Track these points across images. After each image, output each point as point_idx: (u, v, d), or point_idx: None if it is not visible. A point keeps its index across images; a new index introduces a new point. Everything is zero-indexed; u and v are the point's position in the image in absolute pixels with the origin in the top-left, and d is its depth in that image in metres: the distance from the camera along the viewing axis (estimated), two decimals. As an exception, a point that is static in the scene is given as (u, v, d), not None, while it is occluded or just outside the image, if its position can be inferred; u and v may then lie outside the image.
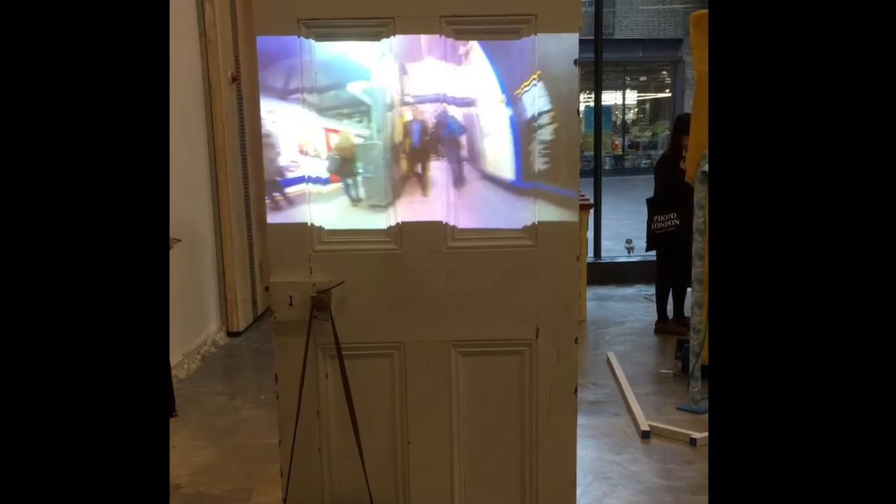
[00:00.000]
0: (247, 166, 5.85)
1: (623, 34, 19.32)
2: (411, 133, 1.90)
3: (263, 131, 1.89)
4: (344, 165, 1.93)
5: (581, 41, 1.88)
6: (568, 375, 1.99)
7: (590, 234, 6.74)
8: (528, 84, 1.87)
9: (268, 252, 2.00)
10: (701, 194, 3.94)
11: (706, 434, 3.59)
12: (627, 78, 21.52)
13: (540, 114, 1.88)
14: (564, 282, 1.96)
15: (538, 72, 1.86)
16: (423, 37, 1.86)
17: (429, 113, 1.89)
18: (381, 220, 1.93)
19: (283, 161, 1.90)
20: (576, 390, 2.01)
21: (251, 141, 5.89)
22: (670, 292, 5.52)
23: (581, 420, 2.23)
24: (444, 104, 1.88)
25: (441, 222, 1.93)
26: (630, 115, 22.32)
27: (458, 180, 1.92)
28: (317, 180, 1.91)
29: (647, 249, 5.55)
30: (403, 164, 1.91)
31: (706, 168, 3.89)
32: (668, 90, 21.60)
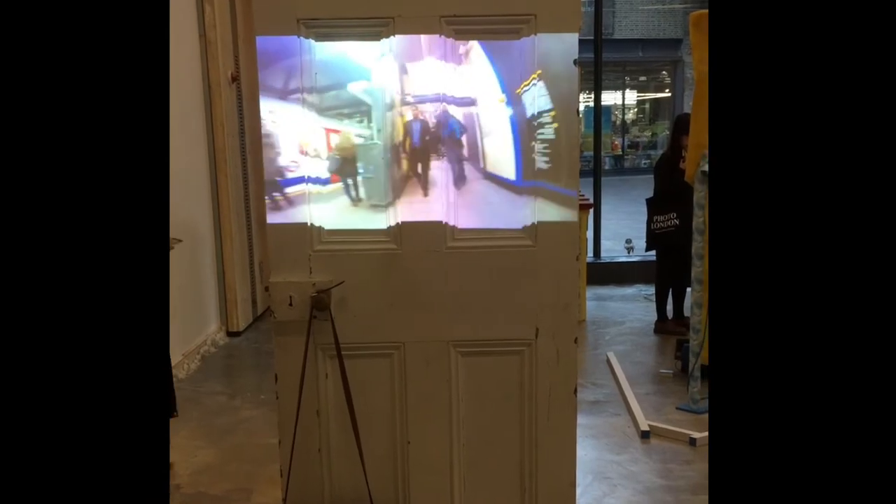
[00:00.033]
0: (246, 166, 5.85)
1: (623, 34, 19.32)
2: (411, 133, 1.90)
3: (263, 131, 1.89)
4: (344, 165, 1.93)
5: (581, 41, 1.88)
6: (568, 375, 1.99)
7: (589, 233, 6.74)
8: (528, 84, 1.87)
9: (267, 252, 2.00)
10: (700, 194, 3.95)
11: (706, 434, 3.59)
12: (627, 78, 21.52)
13: (540, 113, 1.88)
14: (564, 282, 1.96)
15: (538, 71, 1.86)
16: (423, 37, 1.86)
17: (429, 113, 1.89)
18: (381, 220, 1.93)
19: (283, 161, 1.90)
20: (575, 390, 2.01)
21: (251, 141, 5.89)
22: (670, 292, 5.52)
23: (581, 420, 2.23)
24: (444, 104, 1.88)
25: (441, 222, 1.93)
26: (630, 115, 22.32)
27: (458, 180, 1.92)
28: (316, 180, 1.91)
29: (647, 249, 5.56)
30: (403, 164, 1.91)
31: (706, 168, 3.89)
32: (667, 90, 21.60)
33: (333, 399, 1.99)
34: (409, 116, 1.90)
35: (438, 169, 1.91)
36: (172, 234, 3.24)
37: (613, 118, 21.40)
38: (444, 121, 1.89)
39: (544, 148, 1.89)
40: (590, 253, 7.29)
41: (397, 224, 1.93)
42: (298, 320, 1.93)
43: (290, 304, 1.93)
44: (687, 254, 4.25)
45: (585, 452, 3.50)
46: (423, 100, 1.89)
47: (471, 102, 1.89)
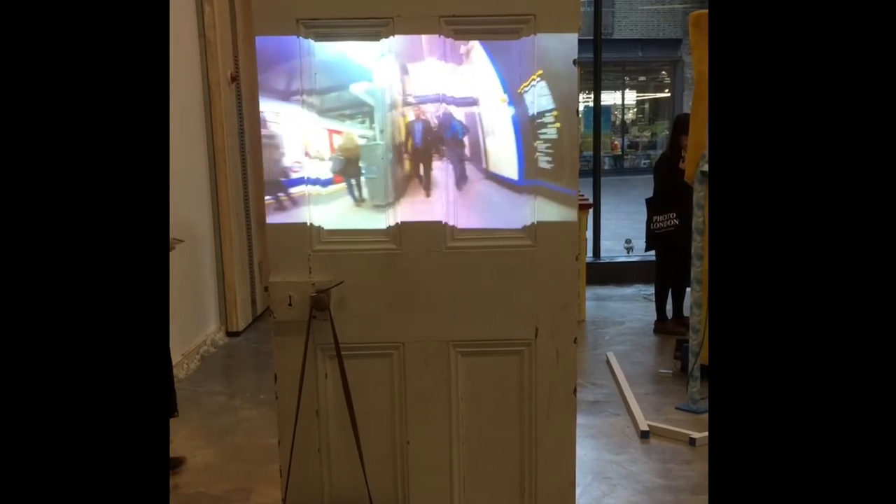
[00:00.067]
0: (246, 166, 5.85)
1: (622, 34, 19.32)
2: (412, 133, 1.90)
3: (267, 132, 1.89)
4: (344, 166, 1.93)
5: (580, 41, 1.89)
6: (567, 375, 2.00)
7: (589, 233, 6.74)
8: (528, 84, 1.87)
9: (267, 252, 2.00)
10: (700, 194, 3.95)
11: (705, 434, 3.59)
12: (626, 78, 21.52)
13: (540, 113, 1.88)
14: (564, 282, 1.96)
15: (540, 72, 1.86)
16: (423, 37, 1.86)
17: (429, 113, 1.89)
18: (381, 220, 1.93)
19: (282, 162, 1.90)
20: (575, 390, 2.01)
21: (250, 141, 5.89)
22: (669, 292, 5.52)
23: (580, 420, 2.23)
24: (444, 104, 1.88)
25: (440, 222, 1.93)
26: (629, 115, 22.32)
27: (458, 180, 1.92)
28: (316, 181, 1.91)
29: (647, 249, 5.56)
30: (403, 165, 1.91)
31: (705, 168, 3.89)
32: (667, 90, 21.60)
33: (333, 399, 1.99)
34: (410, 117, 1.90)
35: (439, 169, 1.91)
36: (172, 234, 3.24)
37: (613, 118, 21.40)
38: (445, 121, 1.89)
39: (544, 148, 1.89)
40: (589, 253, 7.29)
41: (397, 224, 1.93)
42: (298, 320, 1.93)
43: (290, 304, 1.93)
44: (686, 254, 4.25)
45: (585, 452, 3.50)
46: (424, 100, 1.89)
47: (472, 102, 1.89)
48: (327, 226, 1.93)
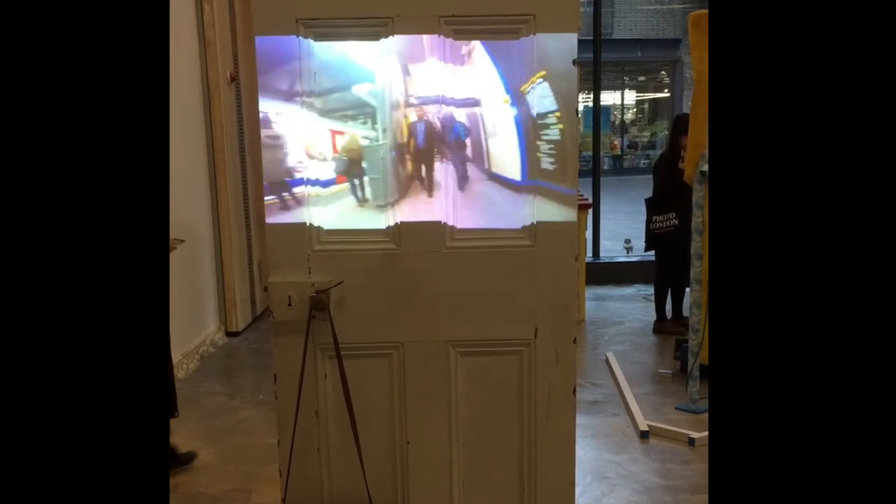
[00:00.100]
0: (245, 166, 5.85)
1: (622, 34, 19.32)
2: (413, 133, 1.90)
3: (266, 132, 1.89)
4: (345, 166, 1.93)
5: (580, 41, 1.89)
6: (567, 375, 2.00)
7: (588, 233, 6.74)
8: (529, 84, 1.87)
9: (266, 252, 2.00)
10: (699, 194, 3.95)
11: (705, 434, 3.59)
12: (626, 78, 21.52)
13: (540, 114, 1.88)
14: (563, 282, 1.96)
15: (539, 71, 1.86)
16: (424, 37, 1.85)
17: (430, 113, 1.89)
18: (380, 220, 1.93)
19: (282, 162, 1.90)
20: (574, 390, 2.01)
21: (250, 141, 5.88)
22: (669, 292, 5.53)
23: (580, 420, 2.23)
24: (445, 104, 1.88)
25: (440, 222, 1.93)
26: (629, 115, 22.33)
27: (458, 180, 1.92)
28: (316, 181, 1.91)
29: (646, 249, 5.56)
30: (403, 165, 1.91)
31: (705, 168, 3.89)
32: (666, 90, 21.60)
33: (332, 399, 1.99)
34: (410, 117, 1.90)
35: (438, 169, 1.91)
36: (172, 234, 3.24)
37: (612, 118, 21.41)
38: (446, 121, 1.89)
39: (544, 148, 1.89)
40: (589, 253, 7.30)
41: (396, 224, 1.93)
42: (297, 320, 1.93)
43: (289, 304, 1.93)
44: (686, 254, 4.25)
45: (584, 452, 3.50)
46: (425, 100, 1.89)
47: (472, 103, 1.89)
48: (327, 226, 1.93)
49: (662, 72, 21.56)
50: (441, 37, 1.85)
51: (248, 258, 5.93)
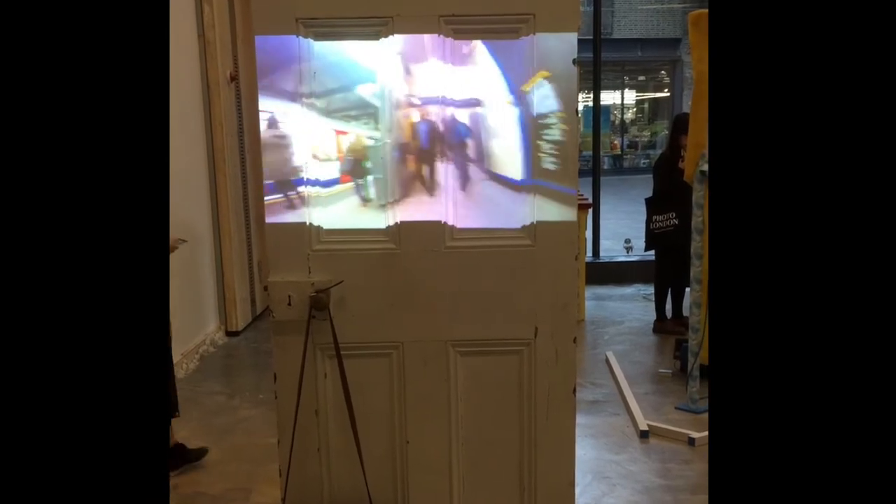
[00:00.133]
0: (245, 166, 5.85)
1: (621, 34, 19.32)
2: (413, 133, 1.90)
3: (267, 132, 1.89)
4: (344, 166, 1.93)
5: (579, 41, 1.89)
6: (566, 375, 2.00)
7: (588, 233, 6.74)
8: (530, 84, 1.87)
9: (266, 251, 2.00)
10: (699, 194, 3.95)
11: (705, 433, 3.59)
12: (626, 77, 21.52)
13: (540, 114, 1.88)
14: (563, 281, 1.96)
15: (545, 73, 1.86)
16: (426, 37, 1.85)
17: (431, 113, 1.89)
18: (380, 220, 1.93)
19: (282, 162, 1.90)
20: (574, 390, 2.01)
21: (250, 141, 5.89)
22: (669, 292, 5.53)
23: (580, 420, 2.23)
24: (445, 104, 1.88)
25: (440, 222, 1.93)
26: (629, 115, 22.32)
27: (458, 180, 1.92)
28: (316, 181, 1.91)
29: (646, 249, 5.56)
30: (404, 164, 1.91)
31: (705, 167, 3.89)
32: (666, 90, 21.60)
33: (332, 399, 1.99)
34: (411, 117, 1.90)
35: (439, 169, 1.91)
36: (172, 233, 3.23)
37: (612, 118, 21.40)
38: (447, 121, 1.89)
39: (544, 147, 1.89)
40: (589, 252, 7.30)
41: (396, 224, 1.93)
42: (297, 320, 1.93)
43: (289, 304, 1.93)
44: (686, 253, 4.25)
45: (584, 452, 3.50)
46: (424, 100, 1.89)
47: (471, 102, 1.89)
48: (326, 225, 1.93)
49: (662, 71, 21.56)
50: (441, 36, 1.85)
51: (248, 257, 5.93)
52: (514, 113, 1.89)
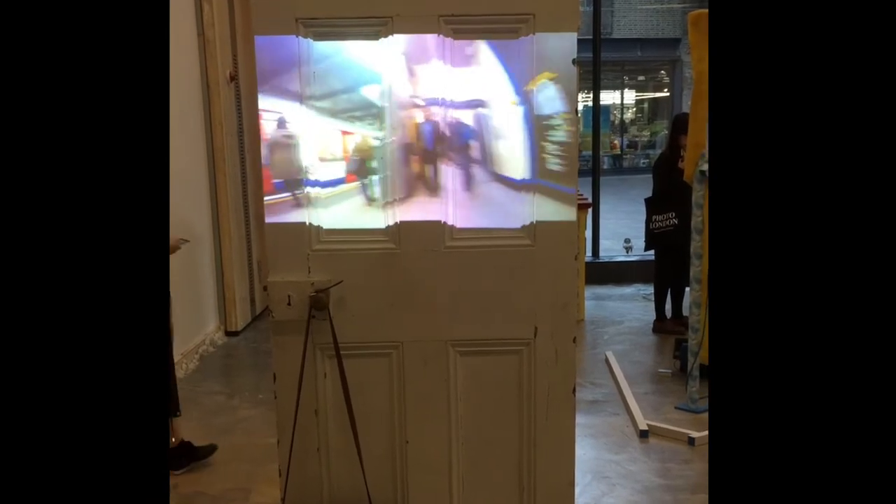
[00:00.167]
0: (245, 165, 5.85)
1: (621, 34, 19.33)
2: (412, 133, 1.90)
3: (278, 131, 1.88)
4: (347, 166, 1.92)
5: (579, 41, 1.89)
6: (566, 375, 2.00)
7: (588, 233, 6.74)
8: (533, 85, 1.87)
9: (266, 251, 2.00)
10: (699, 193, 3.95)
11: (705, 433, 3.59)
12: (626, 77, 21.52)
13: (543, 114, 1.88)
14: (563, 281, 1.96)
15: (545, 72, 1.86)
16: (428, 37, 1.85)
17: (430, 113, 1.89)
18: (380, 220, 1.93)
19: (283, 162, 1.90)
20: (574, 389, 2.01)
21: (249, 140, 5.88)
22: (668, 291, 5.53)
23: (579, 419, 2.23)
24: (446, 104, 1.88)
25: (439, 222, 1.93)
26: (628, 115, 22.32)
27: (458, 180, 1.92)
28: (316, 182, 1.91)
29: (646, 249, 5.56)
30: (403, 164, 1.91)
31: (704, 167, 3.89)
32: (666, 90, 21.60)
33: (332, 398, 1.99)
34: (409, 116, 1.89)
35: (438, 169, 1.91)
36: (172, 233, 3.23)
37: (612, 118, 21.41)
38: (448, 121, 1.89)
39: (543, 147, 1.89)
40: (588, 252, 7.30)
41: (396, 223, 1.93)
42: (297, 320, 1.93)
43: (289, 304, 1.93)
44: (685, 253, 4.25)
45: (584, 452, 3.50)
46: (425, 100, 1.88)
47: (473, 103, 1.89)
48: (326, 225, 1.93)
49: (662, 71, 21.56)
50: (441, 36, 1.85)
51: (248, 257, 5.93)
52: (517, 114, 1.89)
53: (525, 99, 1.88)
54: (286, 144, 1.89)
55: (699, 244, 3.98)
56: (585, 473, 3.31)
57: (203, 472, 3.41)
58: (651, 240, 5.39)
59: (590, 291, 6.60)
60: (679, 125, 5.12)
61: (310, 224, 1.92)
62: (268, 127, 1.88)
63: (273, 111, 1.88)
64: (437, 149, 1.90)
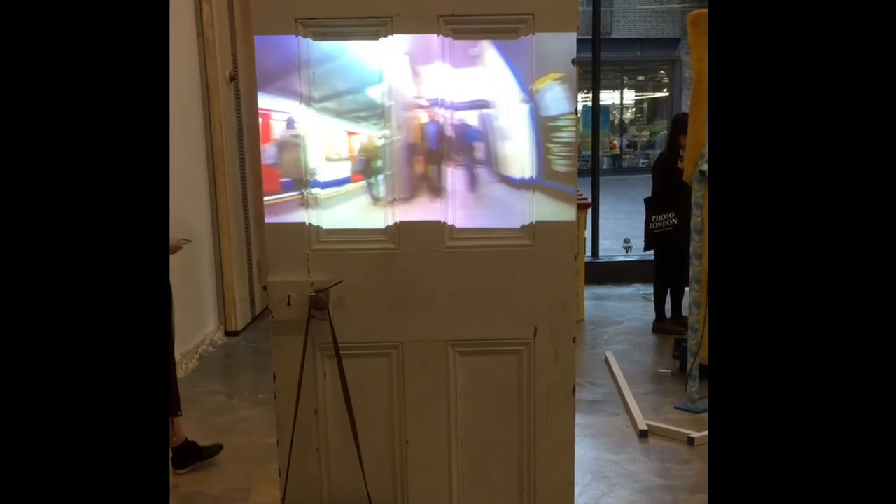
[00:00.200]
0: (245, 166, 5.85)
1: (621, 34, 19.33)
2: (415, 133, 1.90)
3: (287, 130, 1.88)
4: (348, 166, 1.93)
5: (579, 41, 1.89)
6: (566, 375, 2.00)
7: (588, 233, 6.74)
8: (537, 85, 1.87)
9: (266, 251, 2.00)
10: (699, 193, 3.95)
11: (704, 433, 3.59)
12: (625, 77, 21.52)
13: (545, 114, 1.88)
14: (562, 281, 1.96)
15: (551, 73, 1.86)
16: (426, 37, 1.85)
17: (430, 113, 1.89)
18: (380, 220, 1.93)
19: (283, 162, 1.90)
20: (574, 389, 2.01)
21: (249, 140, 5.88)
22: (668, 291, 5.53)
23: (579, 419, 2.23)
24: (445, 103, 1.88)
25: (439, 221, 1.93)
26: (628, 115, 22.33)
27: (460, 180, 1.92)
28: (315, 183, 1.91)
29: (645, 249, 5.56)
30: (406, 164, 1.91)
31: (704, 167, 3.89)
32: (665, 90, 21.60)
33: (332, 398, 1.99)
34: (415, 117, 1.89)
35: (438, 168, 1.91)
36: (171, 233, 3.23)
37: (612, 118, 21.41)
38: (447, 121, 1.89)
39: (543, 146, 1.89)
40: (588, 252, 7.30)
41: (395, 223, 1.93)
42: (297, 320, 1.93)
43: (289, 304, 1.93)
44: (685, 253, 4.25)
45: (584, 452, 3.51)
46: (425, 100, 1.88)
47: (474, 103, 1.89)
48: (326, 225, 1.93)
49: (661, 71, 21.56)
50: (440, 36, 1.85)
51: (248, 257, 5.93)
52: (522, 114, 1.89)
53: (533, 100, 1.88)
54: (294, 144, 1.89)
55: (699, 244, 3.98)
56: (585, 473, 3.31)
57: (203, 471, 3.41)
58: (650, 240, 5.39)
59: (589, 291, 6.61)
60: (678, 125, 5.13)
61: (309, 224, 1.92)
62: (275, 127, 1.88)
63: (275, 111, 1.88)
64: (441, 149, 1.90)
